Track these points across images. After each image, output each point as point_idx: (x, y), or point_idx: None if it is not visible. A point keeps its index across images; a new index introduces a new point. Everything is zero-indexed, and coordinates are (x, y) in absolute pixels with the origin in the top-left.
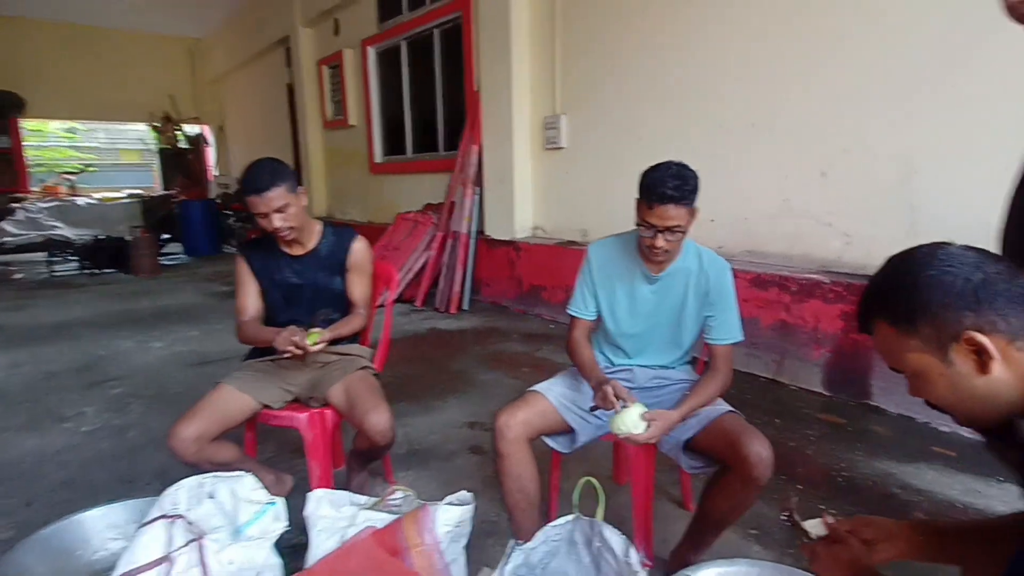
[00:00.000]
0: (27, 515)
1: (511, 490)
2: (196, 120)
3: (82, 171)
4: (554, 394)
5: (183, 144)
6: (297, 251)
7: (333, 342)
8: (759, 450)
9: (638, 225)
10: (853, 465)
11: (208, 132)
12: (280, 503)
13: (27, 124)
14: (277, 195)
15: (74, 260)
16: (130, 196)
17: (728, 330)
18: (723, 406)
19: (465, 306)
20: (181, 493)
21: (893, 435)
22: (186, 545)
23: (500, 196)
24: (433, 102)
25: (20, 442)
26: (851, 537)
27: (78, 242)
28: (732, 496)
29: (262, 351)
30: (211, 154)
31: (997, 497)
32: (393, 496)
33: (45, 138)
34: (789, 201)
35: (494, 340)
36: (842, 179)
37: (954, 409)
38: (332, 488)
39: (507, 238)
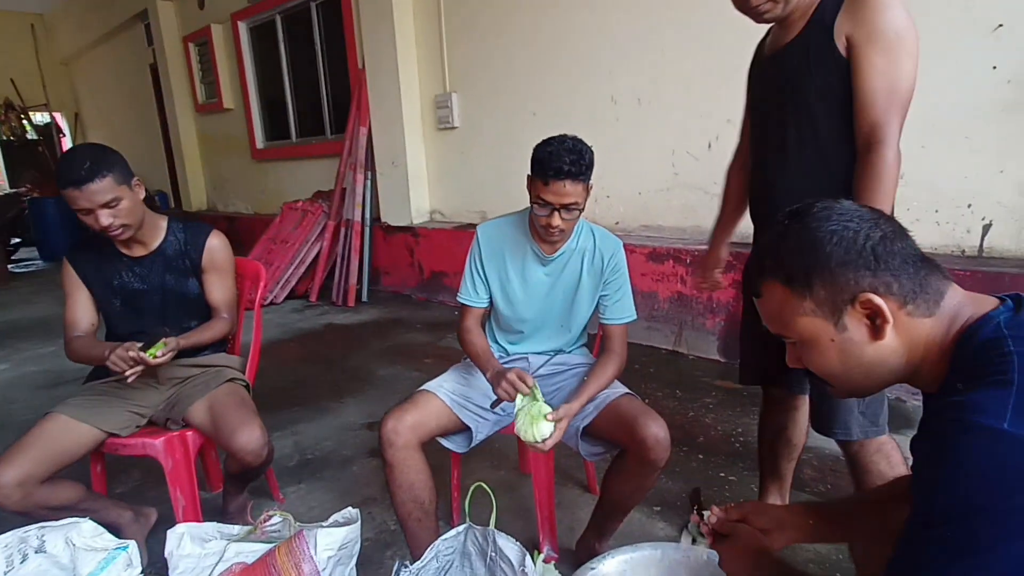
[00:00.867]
0: None
1: (403, 501)
2: (45, 107)
3: None
4: (445, 392)
5: (31, 135)
6: (138, 252)
7: (192, 352)
8: (655, 431)
9: (534, 203)
10: (748, 429)
11: (61, 120)
12: (133, 546)
13: None
14: (102, 188)
15: None
16: None
17: (623, 309)
18: (619, 388)
19: (364, 298)
20: None
21: None
22: None
23: (394, 180)
24: (317, 82)
25: None
26: (741, 527)
27: None
28: (632, 480)
29: (104, 370)
30: (67, 145)
31: None
32: (269, 522)
33: None
34: (679, 175)
35: (395, 332)
36: (727, 150)
37: (838, 379)
38: (202, 518)
39: (404, 224)
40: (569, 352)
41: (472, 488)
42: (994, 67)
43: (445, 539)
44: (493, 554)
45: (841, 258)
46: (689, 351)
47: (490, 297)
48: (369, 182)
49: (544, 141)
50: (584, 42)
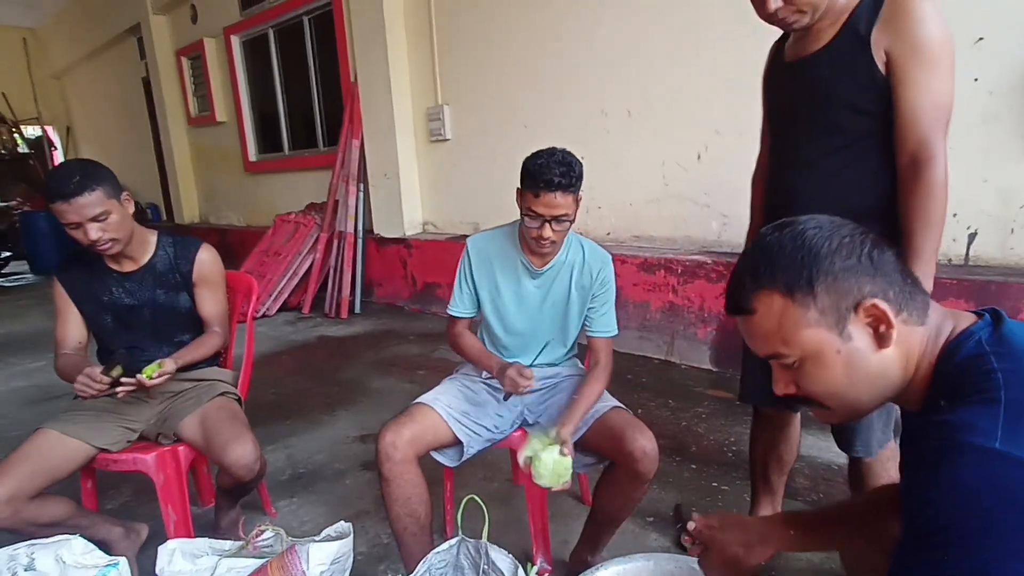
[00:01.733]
0: None
1: (398, 515)
2: (37, 121)
3: None
4: (442, 405)
5: (23, 149)
6: (128, 267)
7: (185, 367)
8: (643, 444)
9: (524, 215)
10: (741, 439)
11: (53, 134)
12: (123, 563)
13: None
14: (91, 201)
15: None
16: None
17: (608, 322)
18: (609, 402)
19: (357, 309)
20: None
21: None
22: None
23: (386, 192)
24: (309, 95)
25: None
26: (719, 539)
27: None
28: (622, 492)
29: None
30: (59, 158)
31: None
32: (261, 537)
33: None
34: (669, 185)
35: (388, 343)
36: (717, 161)
37: (842, 397)
38: (194, 534)
39: (397, 235)
40: (559, 364)
41: (465, 501)
42: (976, 79)
43: (438, 552)
44: (486, 567)
45: (843, 263)
46: (681, 360)
47: (479, 309)
48: (362, 194)
49: (534, 154)
50: (575, 55)
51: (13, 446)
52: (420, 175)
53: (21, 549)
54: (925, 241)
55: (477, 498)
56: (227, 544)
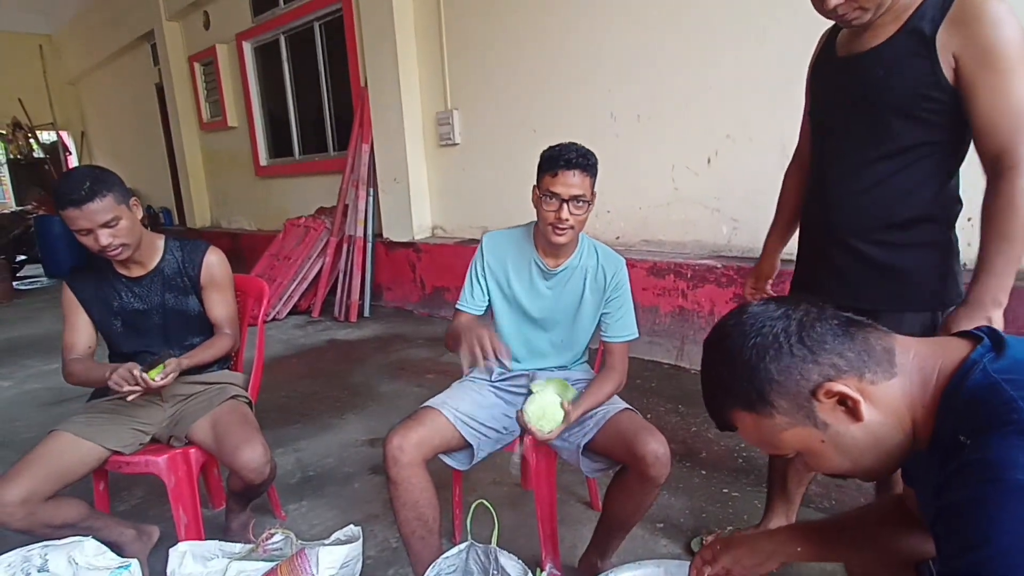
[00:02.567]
0: None
1: (407, 519)
2: (52, 126)
3: None
4: (449, 409)
5: (38, 153)
6: (136, 272)
7: (196, 369)
8: (655, 448)
9: (542, 199)
10: (751, 446)
11: (67, 139)
12: (135, 565)
13: None
14: (102, 207)
15: None
16: None
17: (625, 327)
18: (619, 404)
19: (366, 313)
20: None
21: None
22: None
23: (396, 196)
24: (319, 99)
25: None
26: (726, 565)
27: None
28: (633, 496)
29: (108, 389)
30: (73, 163)
31: None
32: (271, 540)
33: None
34: (679, 190)
35: (397, 347)
36: (727, 165)
37: (854, 471)
38: (204, 536)
39: (406, 240)
40: (571, 368)
41: (474, 505)
42: None
43: (447, 557)
44: (495, 572)
45: (778, 366)
46: (691, 366)
47: (488, 306)
48: (371, 198)
49: (551, 145)
50: (584, 59)
51: (27, 448)
52: (429, 179)
53: (35, 550)
54: (998, 255)
55: (486, 502)
56: (237, 547)
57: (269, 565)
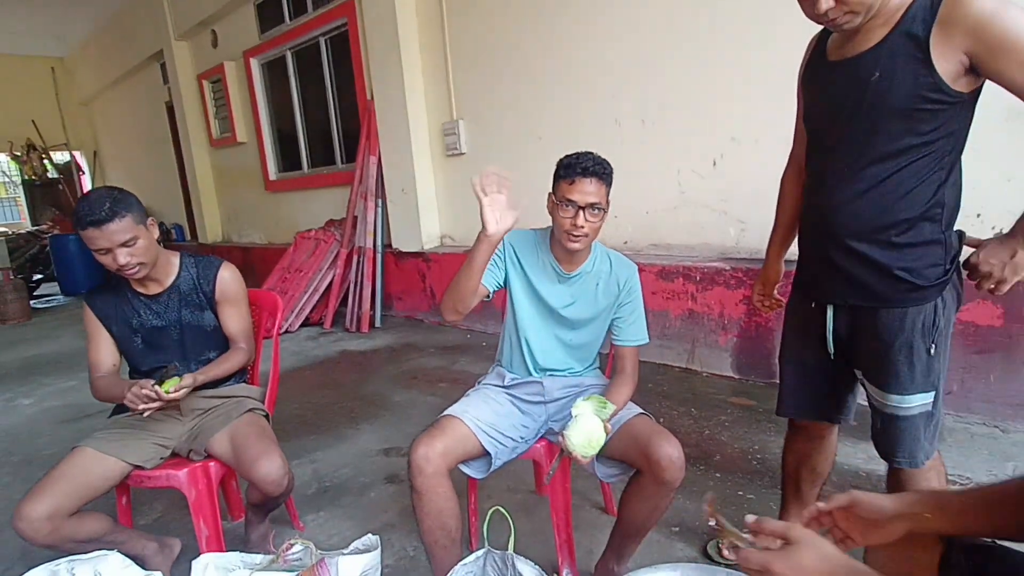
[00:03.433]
0: None
1: (431, 528)
2: (65, 147)
3: None
4: (470, 418)
5: (52, 174)
6: (153, 289)
7: (213, 383)
8: (670, 452)
9: (558, 207)
10: (765, 446)
11: (80, 159)
12: None
13: None
14: (121, 227)
15: None
16: None
17: (637, 331)
18: (634, 409)
19: (377, 323)
20: None
21: None
22: None
23: (404, 207)
24: (327, 113)
25: None
26: (807, 534)
27: None
28: (648, 501)
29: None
30: (87, 182)
31: None
32: (291, 551)
33: None
34: (686, 193)
35: (409, 356)
36: (733, 167)
37: None
38: (225, 548)
39: (415, 249)
40: (583, 374)
41: (490, 512)
42: None
43: (465, 564)
44: None
45: None
46: (702, 368)
47: (498, 289)
48: (380, 209)
49: (568, 154)
50: (587, 67)
51: (49, 463)
52: (437, 189)
53: (62, 564)
54: None
55: (503, 509)
56: (258, 558)
57: (291, 575)
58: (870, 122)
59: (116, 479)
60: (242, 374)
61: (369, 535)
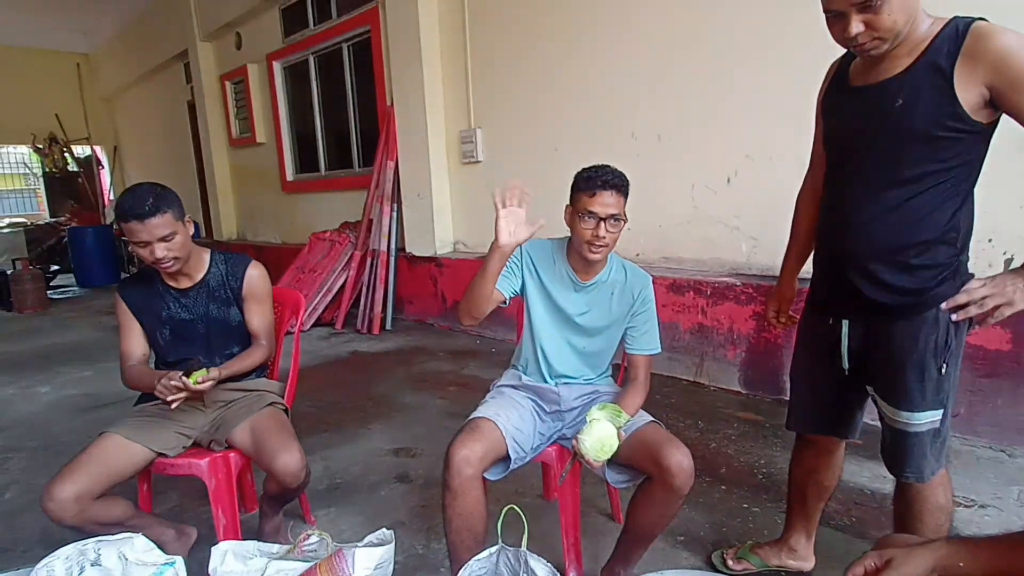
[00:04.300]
0: None
1: (459, 528)
2: (86, 141)
3: None
4: (503, 422)
5: (72, 167)
6: (184, 284)
7: (236, 377)
8: (680, 459)
9: (579, 219)
10: (771, 461)
11: (100, 153)
12: (179, 562)
13: None
14: (162, 223)
15: None
16: (11, 225)
17: (650, 341)
18: (645, 417)
19: (388, 326)
20: (57, 564)
21: None
22: None
23: (419, 212)
24: (346, 117)
25: None
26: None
27: None
28: (656, 507)
29: (154, 394)
30: (106, 177)
31: None
32: (307, 542)
33: None
34: (699, 208)
35: (419, 359)
36: (747, 185)
37: None
38: (241, 537)
39: (428, 254)
40: (596, 382)
41: (505, 510)
42: None
43: (478, 559)
44: (524, 574)
45: None
46: (710, 382)
47: (515, 295)
48: (395, 213)
49: (584, 167)
50: (605, 80)
51: (66, 450)
52: (452, 196)
53: (89, 544)
54: None
55: (517, 508)
56: (275, 547)
57: (307, 565)
58: (892, 147)
59: (140, 465)
60: (263, 369)
61: (384, 529)
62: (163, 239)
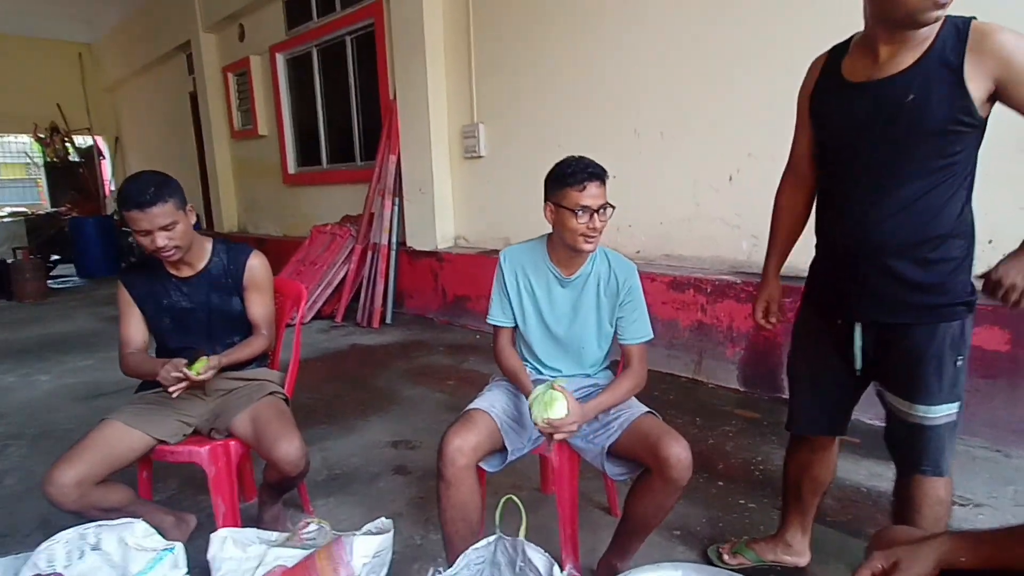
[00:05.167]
0: None
1: (453, 519)
2: (88, 131)
3: None
4: (497, 413)
5: (74, 157)
6: (185, 272)
7: (236, 367)
8: (678, 452)
9: (570, 215)
10: (768, 458)
11: (102, 144)
12: (179, 548)
13: None
14: (163, 211)
15: None
16: (12, 215)
17: (640, 329)
18: (642, 408)
19: (388, 320)
20: (58, 548)
21: None
22: None
23: (420, 206)
24: (348, 111)
25: None
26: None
27: None
28: (654, 499)
29: (154, 382)
30: (107, 167)
31: None
32: (306, 530)
33: None
34: (700, 206)
35: (418, 353)
36: (748, 183)
37: None
38: (240, 525)
39: (429, 249)
40: (593, 375)
41: (503, 500)
42: None
43: (476, 548)
44: (522, 564)
45: None
46: (709, 379)
47: (515, 318)
48: (397, 207)
49: (558, 163)
50: (609, 77)
51: (65, 438)
52: (454, 190)
53: (90, 529)
54: None
55: (515, 498)
56: (274, 535)
57: (305, 552)
58: (904, 141)
59: (141, 452)
60: (263, 358)
61: (383, 518)
62: (164, 228)
